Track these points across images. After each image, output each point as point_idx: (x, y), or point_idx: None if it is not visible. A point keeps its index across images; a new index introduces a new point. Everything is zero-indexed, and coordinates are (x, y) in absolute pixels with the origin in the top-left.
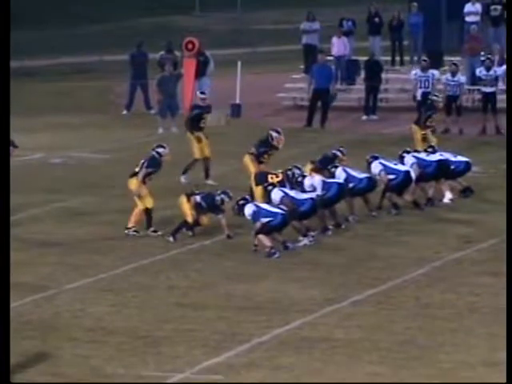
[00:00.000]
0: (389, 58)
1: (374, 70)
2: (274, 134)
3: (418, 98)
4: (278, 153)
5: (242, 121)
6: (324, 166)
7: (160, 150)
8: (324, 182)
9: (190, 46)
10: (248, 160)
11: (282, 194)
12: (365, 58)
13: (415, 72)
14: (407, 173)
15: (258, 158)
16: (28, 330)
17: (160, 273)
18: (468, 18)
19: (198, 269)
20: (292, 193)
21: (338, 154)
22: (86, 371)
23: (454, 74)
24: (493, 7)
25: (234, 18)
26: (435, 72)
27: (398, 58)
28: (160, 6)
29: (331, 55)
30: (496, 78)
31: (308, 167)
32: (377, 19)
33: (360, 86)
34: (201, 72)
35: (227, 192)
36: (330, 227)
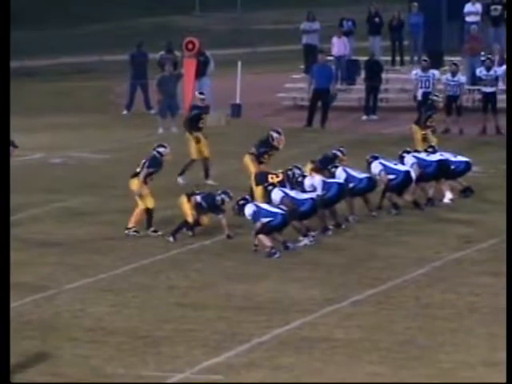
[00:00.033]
0: (389, 58)
1: (374, 70)
2: (275, 135)
3: (419, 98)
4: (279, 153)
5: (242, 121)
6: (324, 165)
7: (161, 149)
8: (324, 182)
9: (190, 46)
10: (248, 160)
11: (282, 194)
12: (365, 58)
13: (416, 72)
14: (407, 173)
15: (259, 159)
16: (28, 330)
17: (160, 273)
18: (468, 18)
19: (198, 269)
20: (292, 193)
21: (338, 153)
22: (86, 371)
23: (454, 74)
24: (493, 7)
25: (234, 17)
26: (436, 72)
27: (398, 58)
28: (160, 5)
29: (331, 55)
30: (496, 78)
31: (308, 167)
32: (377, 19)
33: (360, 86)
34: (201, 72)
35: (227, 192)
36: (330, 227)
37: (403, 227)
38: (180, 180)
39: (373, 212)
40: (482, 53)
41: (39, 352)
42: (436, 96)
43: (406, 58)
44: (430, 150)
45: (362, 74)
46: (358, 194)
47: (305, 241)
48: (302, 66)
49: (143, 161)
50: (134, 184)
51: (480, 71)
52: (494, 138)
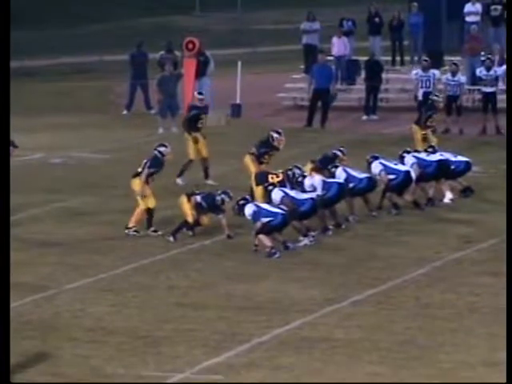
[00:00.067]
0: (389, 58)
1: (374, 70)
2: (275, 135)
3: (419, 97)
4: (279, 153)
5: (242, 121)
6: (324, 165)
7: (162, 149)
8: (324, 182)
9: (190, 46)
10: (248, 160)
11: (282, 193)
12: (365, 58)
13: (416, 72)
14: (407, 173)
15: (259, 159)
16: (28, 330)
17: (160, 273)
18: (468, 18)
19: (198, 269)
20: (292, 193)
21: (339, 153)
22: (86, 371)
23: (454, 73)
24: (493, 7)
25: (234, 17)
26: (436, 72)
27: (398, 58)
28: (160, 5)
29: (331, 55)
30: (496, 78)
31: (308, 167)
32: (377, 19)
33: (360, 85)
34: (201, 72)
35: (227, 192)
36: (331, 227)
37: (403, 227)
38: (179, 181)
39: (373, 212)
40: (482, 53)
41: (39, 352)
42: (436, 96)
43: (406, 58)
44: (429, 150)
45: (362, 74)
46: (358, 194)
47: (305, 241)
48: (302, 66)
49: (144, 161)
50: (136, 184)
51: (480, 71)
52: (494, 138)
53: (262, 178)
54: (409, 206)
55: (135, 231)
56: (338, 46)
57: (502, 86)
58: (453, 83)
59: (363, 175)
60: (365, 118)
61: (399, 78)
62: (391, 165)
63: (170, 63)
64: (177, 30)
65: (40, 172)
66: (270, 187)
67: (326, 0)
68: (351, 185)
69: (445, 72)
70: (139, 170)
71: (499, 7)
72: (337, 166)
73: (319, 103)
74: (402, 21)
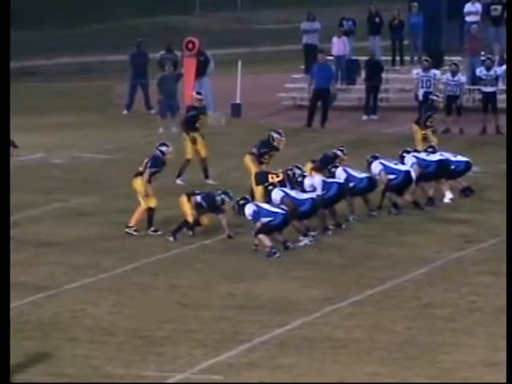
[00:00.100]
0: (389, 58)
1: (374, 70)
2: (275, 135)
3: (420, 97)
4: (279, 153)
5: (242, 121)
6: (324, 165)
7: (163, 148)
8: (324, 182)
9: (190, 46)
10: (249, 160)
11: (282, 193)
12: (365, 58)
13: (417, 72)
14: (407, 173)
15: (259, 159)
16: (28, 330)
17: (160, 273)
18: (468, 18)
19: (198, 269)
20: (292, 193)
21: (339, 153)
22: (86, 371)
23: (454, 73)
24: (493, 7)
25: (234, 17)
26: (437, 72)
27: (398, 58)
28: (160, 5)
29: (331, 55)
30: (496, 78)
31: (308, 166)
32: (377, 19)
33: (360, 85)
34: (201, 72)
35: (227, 192)
36: (331, 227)
37: (403, 227)
38: (179, 181)
39: (373, 212)
40: (482, 53)
41: (39, 352)
42: (436, 96)
43: (406, 58)
44: (429, 149)
45: (362, 74)
46: (358, 194)
47: (305, 241)
48: (302, 66)
49: (146, 160)
50: (138, 183)
51: (480, 71)
52: (494, 138)
53: (262, 178)
54: (409, 205)
55: (135, 230)
56: (338, 45)
57: (502, 85)
58: (453, 83)
59: (363, 175)
60: (365, 117)
61: (399, 77)
62: (391, 165)
63: (170, 63)
64: (177, 30)
65: (40, 172)
66: (270, 187)
67: (326, 0)
68: (351, 184)
69: (445, 72)
70: (140, 169)
71: (499, 7)
72: (337, 166)
73: (319, 103)
74: (402, 21)
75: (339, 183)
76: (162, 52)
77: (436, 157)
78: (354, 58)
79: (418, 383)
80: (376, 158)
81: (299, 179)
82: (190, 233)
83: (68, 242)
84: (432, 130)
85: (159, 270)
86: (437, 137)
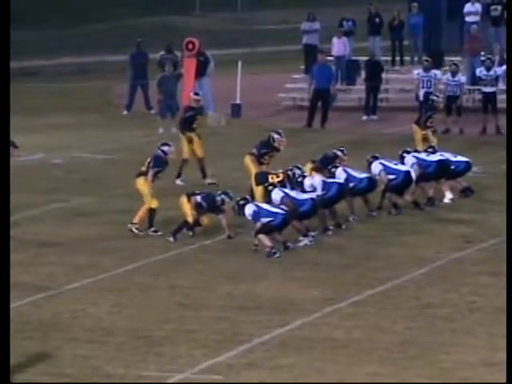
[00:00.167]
0: (389, 58)
1: (374, 70)
2: (276, 136)
3: (421, 98)
4: (279, 153)
5: (242, 121)
6: (324, 165)
7: (165, 148)
8: (324, 182)
9: (190, 46)
10: (249, 160)
11: (282, 194)
12: (365, 58)
13: (418, 72)
14: (407, 173)
15: (259, 159)
16: (28, 330)
17: (160, 273)
18: (468, 18)
19: (198, 269)
20: (292, 193)
21: (339, 153)
22: (86, 371)
23: (454, 74)
24: (493, 7)
25: (234, 17)
26: (437, 72)
27: (398, 58)
28: (160, 5)
29: (331, 55)
30: (496, 78)
31: (308, 166)
32: (377, 19)
33: (360, 86)
34: (201, 72)
35: (228, 192)
36: (331, 227)
37: (403, 227)
38: (178, 182)
39: (373, 212)
40: (482, 53)
41: (39, 352)
42: (436, 96)
43: (406, 59)
44: (429, 150)
45: (362, 74)
46: (358, 194)
47: (305, 241)
48: (302, 67)
49: (148, 160)
50: (140, 183)
51: (480, 71)
52: (494, 138)
53: (262, 178)
54: (409, 206)
55: (137, 228)
56: (338, 46)
57: (502, 86)
58: (453, 83)
59: (363, 175)
60: (365, 118)
61: (399, 78)
62: (391, 165)
63: (169, 63)
64: (177, 30)
65: (40, 172)
66: (270, 187)
67: (326, 0)
68: (351, 185)
69: (445, 72)
70: (143, 169)
71: (499, 7)
72: (337, 166)
73: (319, 103)
74: (402, 21)
75: (339, 183)
76: (162, 52)
77: (436, 157)
78: (354, 58)
79: (418, 383)
80: (376, 158)
81: (299, 179)
82: (190, 233)
83: (68, 242)
84: (432, 131)
85: (159, 270)
86: (437, 137)
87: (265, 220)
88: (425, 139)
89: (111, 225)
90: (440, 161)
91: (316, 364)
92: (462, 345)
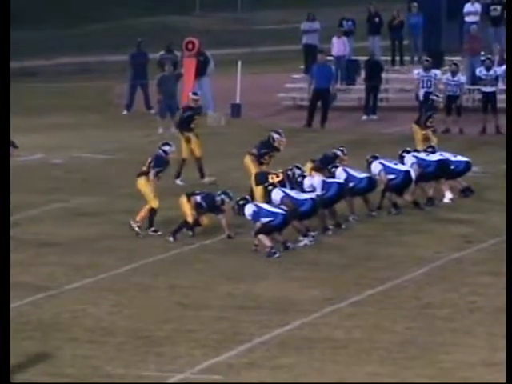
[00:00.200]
0: (389, 58)
1: (374, 70)
2: (276, 136)
3: (421, 97)
4: (278, 153)
5: (242, 121)
6: (324, 165)
7: (166, 148)
8: (324, 182)
9: (190, 46)
10: (249, 160)
11: (282, 194)
12: (365, 58)
13: (418, 72)
14: (407, 173)
15: (259, 159)
16: (28, 330)
17: (160, 273)
18: (467, 18)
19: (198, 269)
20: (292, 193)
21: (339, 153)
22: (86, 371)
23: (454, 73)
24: (493, 7)
25: (233, 17)
26: (437, 72)
27: (397, 58)
28: (160, 5)
29: (331, 55)
30: (496, 78)
31: (308, 166)
32: (377, 19)
33: (360, 86)
34: (201, 72)
35: (227, 192)
36: (330, 227)
37: (403, 227)
38: (178, 182)
39: (373, 212)
40: (482, 53)
41: (39, 352)
42: (436, 96)
43: (406, 58)
44: (429, 149)
45: (362, 74)
46: (358, 194)
47: (305, 241)
48: (302, 66)
49: (149, 160)
50: (141, 183)
51: (480, 71)
52: (494, 138)
53: (261, 178)
54: (409, 205)
55: (138, 227)
56: (338, 46)
57: (501, 85)
58: (453, 83)
59: (363, 175)
60: (365, 117)
61: (399, 77)
62: (391, 165)
63: (169, 63)
64: (177, 30)
65: (40, 172)
66: (270, 187)
67: (326, 0)
68: (351, 184)
69: (445, 72)
70: (144, 168)
71: (499, 7)
72: (337, 166)
73: (319, 103)
74: (401, 21)
75: (339, 183)
76: (162, 52)
77: (436, 157)
78: (354, 58)
79: (418, 383)
80: (376, 157)
81: (299, 179)
82: (190, 233)
83: (68, 242)
84: (432, 130)
85: (159, 270)
86: (437, 137)
87: (265, 220)
88: (425, 139)
89: (111, 225)
90: (440, 160)
91: (316, 364)
92: (462, 345)
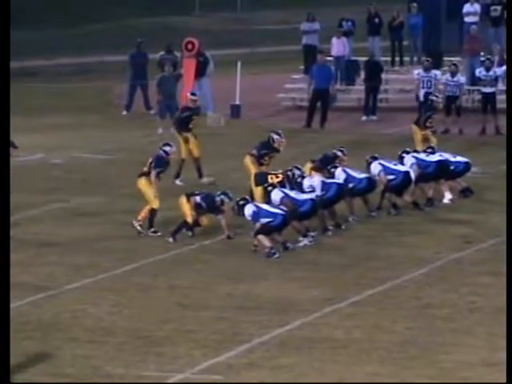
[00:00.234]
0: (388, 59)
1: (373, 71)
2: (275, 137)
3: (421, 98)
4: (278, 153)
5: (241, 121)
6: (324, 165)
7: (167, 148)
8: (323, 183)
9: (189, 47)
10: (248, 161)
11: (282, 194)
12: (364, 59)
13: (418, 72)
14: (407, 173)
15: (259, 160)
16: (28, 330)
17: (160, 273)
18: (467, 19)
19: (198, 269)
20: (292, 193)
21: (339, 154)
22: (86, 371)
23: (453, 74)
24: (493, 7)
25: (234, 17)
26: (438, 72)
27: (397, 59)
28: (160, 5)
29: (331, 55)
30: (496, 79)
31: (308, 166)
32: (376, 20)
33: (360, 86)
34: (200, 72)
35: (227, 193)
36: (330, 227)
37: (403, 227)
38: (178, 182)
39: (372, 212)
40: (482, 53)
41: (39, 352)
42: (435, 96)
43: (406, 59)
44: (429, 150)
45: (362, 75)
46: (358, 195)
47: (304, 241)
48: (302, 67)
49: (150, 160)
50: (142, 184)
51: (479, 71)
52: (494, 139)
53: (261, 179)
54: (408, 206)
55: (140, 226)
56: (338, 46)
57: (501, 86)
58: (452, 84)
59: (363, 175)
60: (364, 118)
61: (399, 78)
62: (391, 165)
63: (169, 64)
64: (176, 30)
65: (40, 172)
66: (270, 188)
67: (326, 0)
68: (351, 185)
69: (444, 72)
70: (145, 169)
71: (499, 7)
72: (336, 167)
73: (319, 104)
74: (401, 21)
75: (338, 184)
76: (162, 52)
77: (435, 157)
78: (354, 58)
79: (418, 383)
80: (375, 158)
81: (299, 180)
82: (190, 233)
83: (68, 242)
84: (431, 131)
85: (159, 270)
86: (436, 137)
87: (264, 220)
88: (425, 139)
89: (111, 225)
90: (439, 161)
91: (316, 364)
92: (462, 345)
